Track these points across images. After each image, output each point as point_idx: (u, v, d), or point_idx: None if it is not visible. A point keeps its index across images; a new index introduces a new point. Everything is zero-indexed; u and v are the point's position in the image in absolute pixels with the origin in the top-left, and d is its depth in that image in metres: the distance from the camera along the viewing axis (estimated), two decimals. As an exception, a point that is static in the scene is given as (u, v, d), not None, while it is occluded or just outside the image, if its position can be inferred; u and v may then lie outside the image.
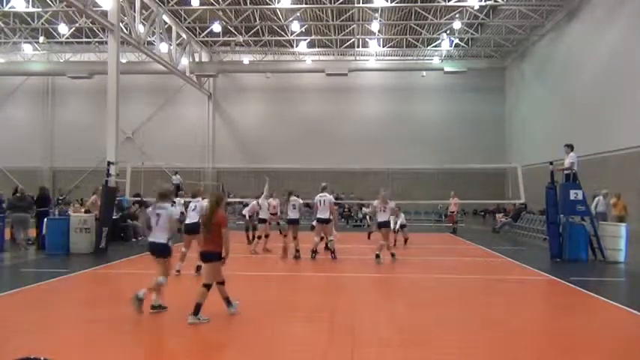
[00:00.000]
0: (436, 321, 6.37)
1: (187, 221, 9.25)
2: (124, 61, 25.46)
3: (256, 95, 32.19)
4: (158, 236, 6.57)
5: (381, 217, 11.28)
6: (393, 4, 23.75)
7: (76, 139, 31.28)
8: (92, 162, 28.58)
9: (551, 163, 12.53)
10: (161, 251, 6.60)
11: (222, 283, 6.32)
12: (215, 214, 6.25)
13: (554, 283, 9.18)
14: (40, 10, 25.46)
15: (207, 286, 6.15)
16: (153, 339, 5.56)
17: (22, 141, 31.99)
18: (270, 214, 13.26)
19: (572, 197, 11.86)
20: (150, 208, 6.88)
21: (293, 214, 11.83)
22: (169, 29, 25.47)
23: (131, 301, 6.15)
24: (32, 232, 14.33)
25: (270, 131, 31.48)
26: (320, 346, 5.37)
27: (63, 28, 27.23)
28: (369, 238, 15.67)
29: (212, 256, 6.21)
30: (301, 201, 12.33)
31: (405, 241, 14.95)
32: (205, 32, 28.36)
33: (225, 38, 29.14)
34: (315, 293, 8.17)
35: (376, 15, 25.71)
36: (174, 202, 8.23)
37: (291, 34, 28.18)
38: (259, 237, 12.85)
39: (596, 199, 14.78)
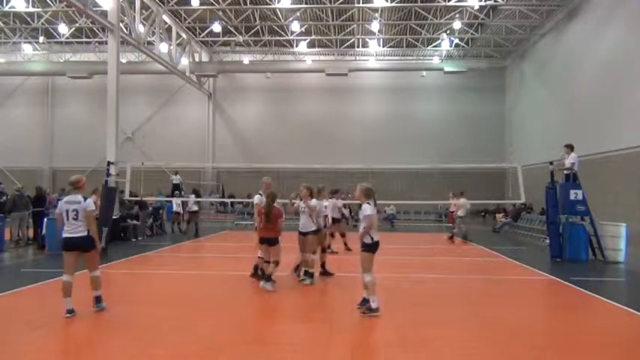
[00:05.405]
0: (436, 321, 6.36)
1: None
2: (124, 61, 25.50)
3: (256, 95, 32.19)
4: (74, 230, 6.27)
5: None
6: (393, 4, 23.75)
7: (76, 139, 31.35)
8: (92, 162, 28.62)
9: (551, 163, 12.53)
10: (86, 245, 6.38)
11: (276, 263, 7.98)
12: (273, 209, 7.92)
13: (555, 283, 9.18)
14: (40, 10, 25.47)
15: (269, 262, 8.02)
16: (153, 339, 5.56)
17: (22, 141, 32.04)
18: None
19: (572, 197, 11.86)
20: (61, 202, 6.45)
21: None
22: (169, 29, 25.48)
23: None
24: (30, 232, 14.41)
25: (270, 131, 31.50)
26: (320, 346, 5.37)
27: (63, 28, 27.25)
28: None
29: (274, 240, 7.94)
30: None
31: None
32: (205, 32, 28.37)
33: (225, 38, 29.16)
34: (315, 293, 8.17)
35: (376, 15, 25.71)
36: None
37: (291, 34, 28.19)
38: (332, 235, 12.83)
39: None
